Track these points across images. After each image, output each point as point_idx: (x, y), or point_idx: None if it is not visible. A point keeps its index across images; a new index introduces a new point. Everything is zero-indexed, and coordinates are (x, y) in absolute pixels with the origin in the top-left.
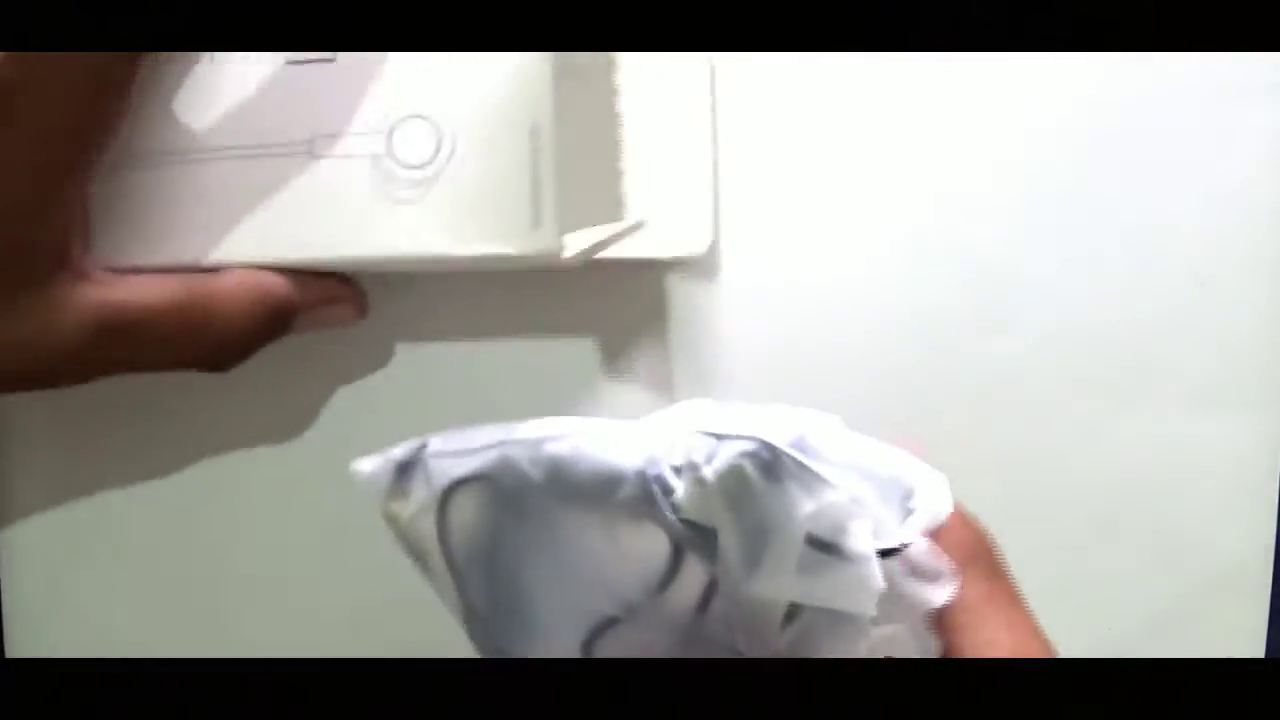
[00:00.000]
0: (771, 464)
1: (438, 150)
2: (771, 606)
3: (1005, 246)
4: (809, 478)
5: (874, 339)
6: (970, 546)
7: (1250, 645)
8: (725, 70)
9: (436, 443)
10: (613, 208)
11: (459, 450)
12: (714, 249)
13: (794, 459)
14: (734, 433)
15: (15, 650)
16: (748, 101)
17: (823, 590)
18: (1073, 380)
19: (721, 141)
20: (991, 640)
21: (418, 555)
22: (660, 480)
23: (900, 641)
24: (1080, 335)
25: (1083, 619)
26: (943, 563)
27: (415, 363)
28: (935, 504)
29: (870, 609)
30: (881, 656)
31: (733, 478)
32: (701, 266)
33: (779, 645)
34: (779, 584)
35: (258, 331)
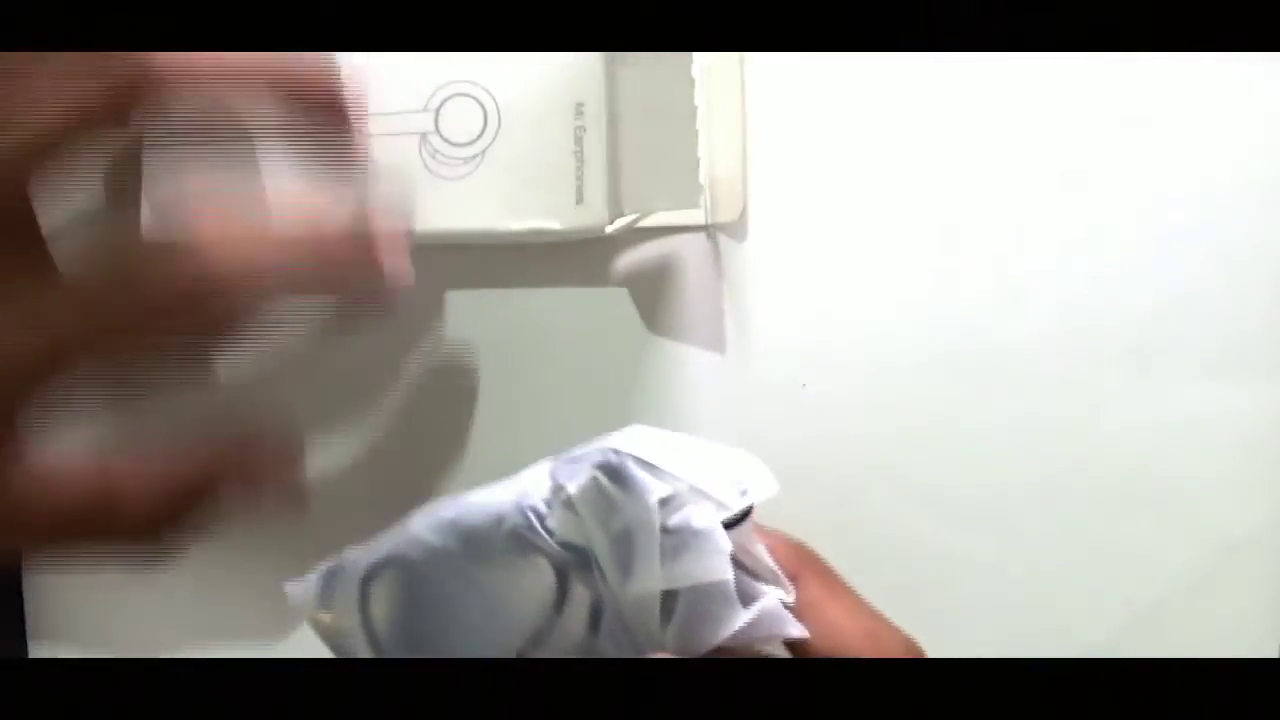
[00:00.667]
0: (619, 469)
1: (484, 127)
2: (649, 602)
3: (1021, 221)
4: (653, 473)
5: (889, 310)
6: (798, 555)
7: (1267, 615)
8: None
9: (354, 550)
10: (684, 195)
11: (371, 546)
12: (744, 215)
13: (637, 459)
14: (586, 452)
15: (38, 650)
16: (777, 77)
17: (683, 570)
18: (1087, 353)
19: (751, 117)
20: (837, 627)
21: (346, 651)
22: (534, 510)
23: (773, 613)
24: (1095, 308)
25: (1098, 590)
26: (775, 567)
27: (461, 316)
28: (763, 482)
29: (727, 573)
30: (764, 636)
31: (591, 491)
32: (732, 231)
33: (667, 643)
34: (649, 578)
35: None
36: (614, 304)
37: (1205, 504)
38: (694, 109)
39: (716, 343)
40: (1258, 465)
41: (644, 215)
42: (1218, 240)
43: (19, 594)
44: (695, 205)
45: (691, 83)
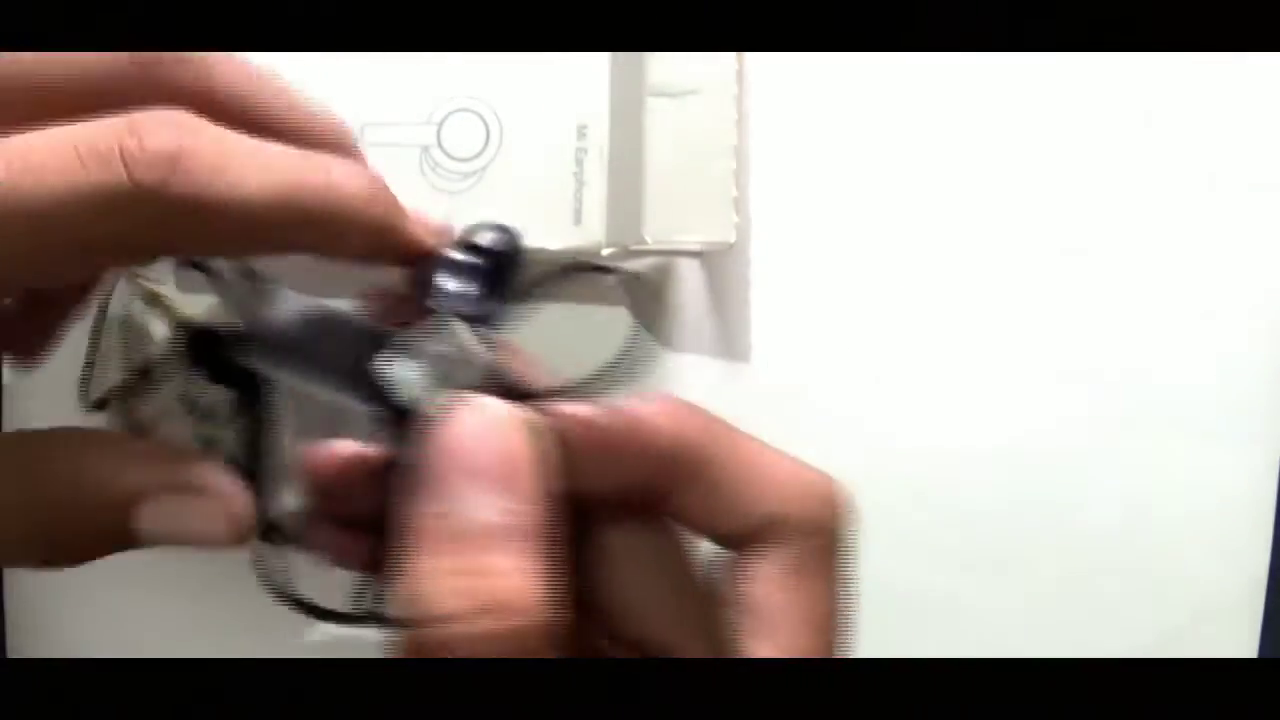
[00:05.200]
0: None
1: (486, 144)
2: None
3: (1015, 273)
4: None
5: (883, 348)
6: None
7: None
8: (758, 73)
9: None
10: (715, 228)
11: None
12: (743, 238)
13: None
14: None
15: (16, 650)
16: (775, 103)
17: None
18: (1076, 409)
19: (752, 141)
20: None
21: None
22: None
23: None
24: (1087, 365)
25: (1072, 645)
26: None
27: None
28: None
29: None
30: None
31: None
32: (732, 254)
33: None
34: None
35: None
36: (611, 322)
37: (1185, 562)
38: (732, 144)
39: (711, 363)
40: (1239, 528)
41: (639, 240)
42: (1211, 305)
43: None
44: (728, 239)
45: (730, 117)
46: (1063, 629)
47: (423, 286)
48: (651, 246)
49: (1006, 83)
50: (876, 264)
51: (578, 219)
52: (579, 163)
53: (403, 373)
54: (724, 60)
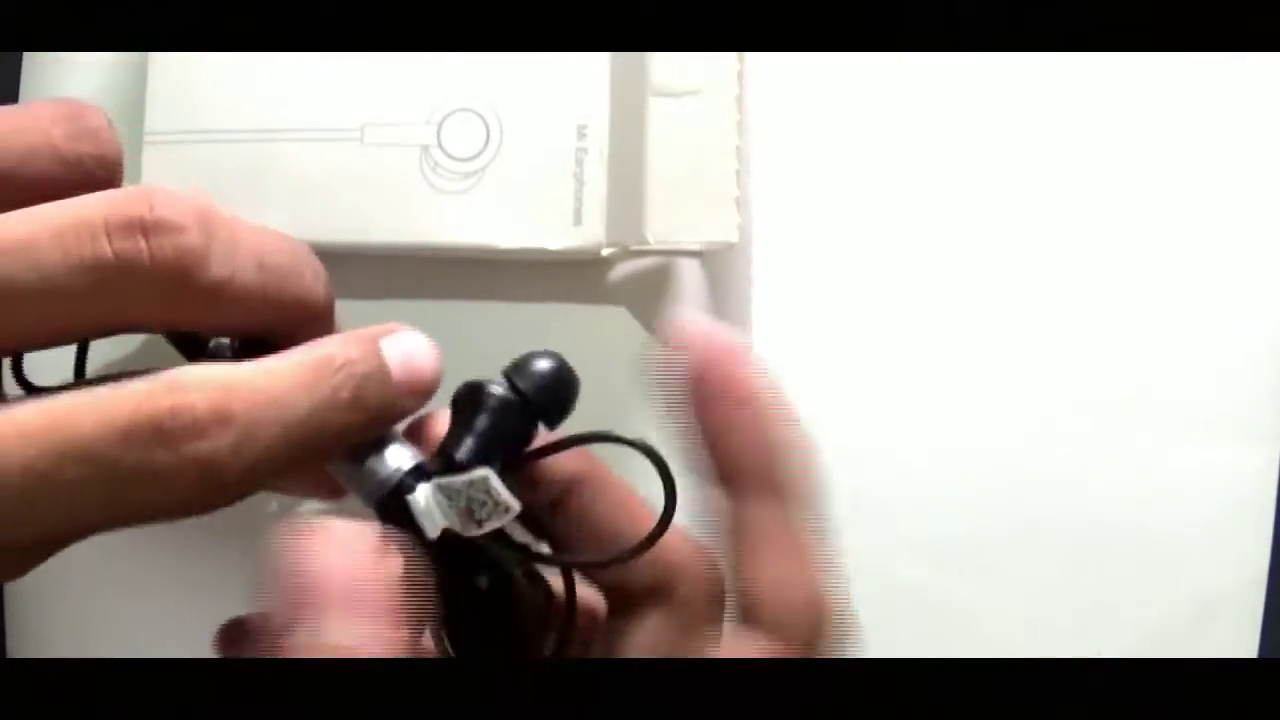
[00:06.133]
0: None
1: (486, 143)
2: None
3: (1012, 272)
4: None
5: (881, 349)
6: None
7: None
8: (759, 70)
9: None
10: (718, 229)
11: None
12: (745, 238)
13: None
14: None
15: (16, 650)
16: (780, 104)
17: None
18: (1079, 406)
19: (753, 141)
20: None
21: None
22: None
23: None
24: (1089, 363)
25: (1073, 641)
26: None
27: (461, 332)
28: None
29: None
30: None
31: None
32: (733, 254)
33: None
34: None
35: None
36: (612, 321)
37: (1185, 561)
38: (733, 144)
39: None
40: (1239, 525)
41: (640, 240)
42: (1211, 305)
43: None
44: (730, 239)
45: (731, 117)
46: (1062, 629)
47: (460, 416)
48: (653, 246)
49: (1007, 83)
50: (878, 263)
51: (578, 219)
52: (579, 163)
53: (429, 506)
54: (724, 60)
